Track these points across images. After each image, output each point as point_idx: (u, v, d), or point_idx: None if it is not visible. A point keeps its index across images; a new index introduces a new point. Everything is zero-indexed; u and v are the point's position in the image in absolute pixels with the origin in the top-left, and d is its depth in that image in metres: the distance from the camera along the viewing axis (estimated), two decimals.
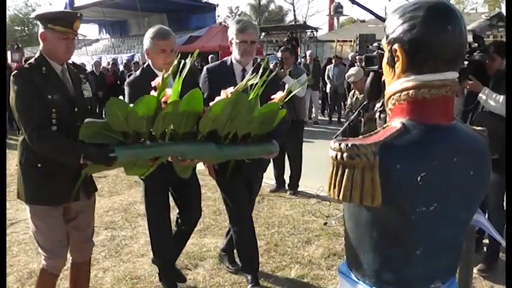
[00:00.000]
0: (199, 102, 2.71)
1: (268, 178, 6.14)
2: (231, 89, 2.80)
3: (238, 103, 2.80)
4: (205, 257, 4.61)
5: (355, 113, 5.75)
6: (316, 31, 29.45)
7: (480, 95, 4.09)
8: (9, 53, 25.40)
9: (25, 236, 5.31)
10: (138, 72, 3.69)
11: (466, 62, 3.86)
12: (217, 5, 33.79)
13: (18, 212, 6.25)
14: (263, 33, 32.38)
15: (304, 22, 39.47)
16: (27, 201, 3.09)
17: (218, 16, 35.74)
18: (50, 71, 3.00)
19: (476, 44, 3.89)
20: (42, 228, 3.11)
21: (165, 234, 3.83)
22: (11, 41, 30.89)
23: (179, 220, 4.01)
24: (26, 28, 59.40)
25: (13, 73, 2.94)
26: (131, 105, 2.63)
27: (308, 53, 14.99)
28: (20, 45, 28.55)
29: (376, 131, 1.43)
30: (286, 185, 6.99)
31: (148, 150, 2.74)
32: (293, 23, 41.56)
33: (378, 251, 1.47)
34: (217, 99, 2.81)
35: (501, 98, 3.96)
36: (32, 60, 3.05)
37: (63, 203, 3.11)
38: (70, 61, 3.21)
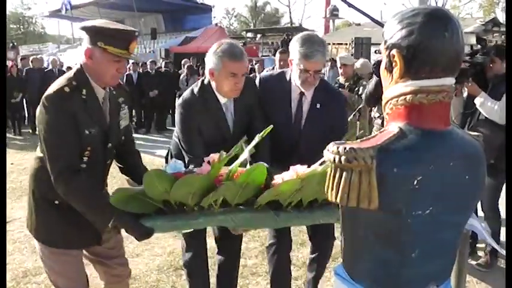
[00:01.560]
0: (262, 176, 2.32)
1: None
2: (300, 168, 2.29)
3: (310, 181, 2.28)
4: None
5: (351, 116, 5.77)
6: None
7: (477, 99, 4.13)
8: None
9: (20, 235, 5.32)
10: (195, 90, 3.04)
11: (467, 64, 3.90)
12: (214, 6, 33.90)
13: (13, 210, 6.26)
14: (259, 35, 32.44)
15: (300, 24, 39.62)
16: (39, 239, 2.66)
17: (214, 17, 35.87)
18: (91, 96, 2.49)
19: (479, 46, 3.92)
20: (55, 268, 2.69)
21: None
22: (6, 39, 30.79)
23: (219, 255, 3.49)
24: (22, 27, 59.31)
25: (47, 95, 2.39)
26: (169, 174, 2.29)
27: None
28: (15, 44, 28.56)
29: (373, 135, 1.45)
30: None
31: (194, 221, 2.37)
32: (289, 25, 41.68)
33: (374, 253, 1.49)
34: (285, 177, 2.34)
35: (496, 105, 4.00)
36: (70, 75, 2.49)
37: (83, 248, 2.75)
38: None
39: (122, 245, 3.01)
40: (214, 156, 2.30)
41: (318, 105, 3.16)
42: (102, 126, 2.55)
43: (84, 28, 2.42)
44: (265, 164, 2.68)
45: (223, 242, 3.36)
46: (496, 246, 2.99)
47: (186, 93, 3.08)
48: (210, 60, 2.92)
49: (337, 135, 2.92)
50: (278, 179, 2.38)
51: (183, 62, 13.78)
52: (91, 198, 2.43)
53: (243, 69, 2.93)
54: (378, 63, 3.28)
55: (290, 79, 3.18)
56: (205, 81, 3.04)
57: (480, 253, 4.68)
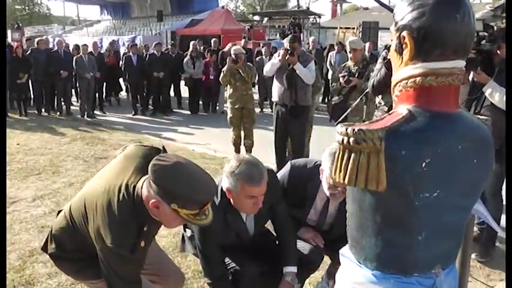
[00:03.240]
0: None
1: (270, 162, 6.16)
2: None
3: None
4: None
5: (358, 100, 5.74)
6: (319, 17, 29.34)
7: (485, 88, 4.10)
8: (9, 32, 25.38)
9: (26, 215, 5.35)
10: (216, 201, 2.84)
11: (474, 52, 3.87)
12: None
13: (20, 190, 6.28)
14: (265, 18, 32.26)
15: (308, 8, 39.33)
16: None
17: (221, 0, 35.61)
18: (153, 227, 2.39)
19: (484, 33, 3.89)
20: None
21: None
22: (11, 20, 30.77)
23: None
24: (27, 7, 59.15)
25: (110, 247, 2.23)
26: None
27: (311, 39, 14.96)
28: (20, 25, 28.46)
29: (382, 116, 1.45)
30: None
31: None
32: (296, 8, 41.39)
33: (380, 235, 1.49)
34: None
35: (504, 94, 3.97)
36: (131, 218, 2.26)
37: None
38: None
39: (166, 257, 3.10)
40: None
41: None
42: None
43: (159, 185, 2.15)
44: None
45: None
46: (498, 230, 3.00)
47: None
48: (227, 180, 2.76)
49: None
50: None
51: (191, 44, 13.74)
52: None
53: (263, 191, 2.76)
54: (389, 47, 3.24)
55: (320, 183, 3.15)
56: (224, 196, 2.87)
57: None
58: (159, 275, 2.90)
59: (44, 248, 2.71)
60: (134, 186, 2.28)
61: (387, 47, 3.33)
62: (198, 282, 3.86)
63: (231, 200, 2.83)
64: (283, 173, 3.30)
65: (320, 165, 3.11)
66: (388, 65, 3.71)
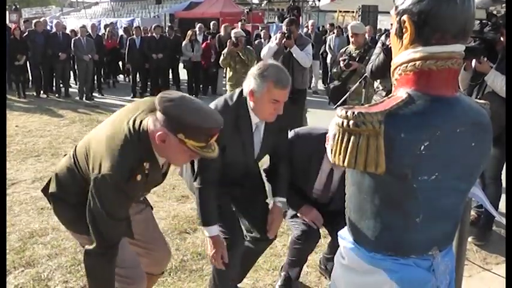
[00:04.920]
0: None
1: None
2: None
3: None
4: None
5: (357, 84, 5.75)
6: (319, 0, 29.18)
7: (487, 76, 4.10)
8: (7, 14, 25.22)
9: (26, 196, 5.37)
10: (230, 102, 2.86)
11: (477, 40, 3.86)
12: None
13: (19, 172, 6.30)
14: (264, 1, 32.06)
15: None
16: (82, 232, 2.55)
17: None
18: (153, 168, 2.31)
19: (487, 21, 3.88)
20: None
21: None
22: (9, 2, 30.60)
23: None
24: None
25: (106, 175, 2.18)
26: None
27: (310, 22, 14.87)
28: (18, 6, 28.30)
29: (381, 100, 1.46)
30: None
31: None
32: None
33: (378, 217, 1.51)
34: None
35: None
36: (134, 150, 2.22)
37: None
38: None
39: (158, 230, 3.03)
40: None
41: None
42: None
43: (166, 113, 2.13)
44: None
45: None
46: (495, 214, 3.02)
47: (220, 103, 2.87)
48: (253, 81, 2.72)
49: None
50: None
51: (198, 26, 13.75)
52: (105, 275, 2.43)
53: (285, 97, 2.77)
54: (388, 46, 3.23)
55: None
56: (243, 95, 2.85)
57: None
58: (147, 248, 2.88)
59: (45, 190, 2.65)
60: (141, 122, 2.24)
61: (387, 34, 3.32)
62: (197, 264, 3.89)
63: (252, 103, 2.79)
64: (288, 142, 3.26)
65: (325, 133, 3.05)
66: (387, 51, 3.71)
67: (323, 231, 3.55)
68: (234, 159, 2.92)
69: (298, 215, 3.37)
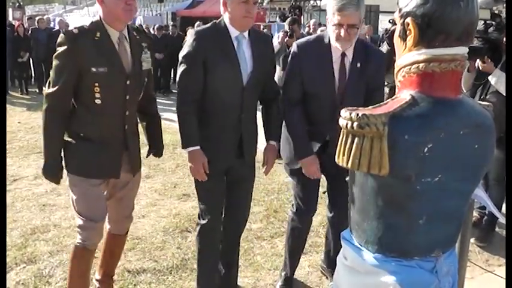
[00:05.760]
0: None
1: None
2: None
3: None
4: None
5: None
6: (320, 0, 29.14)
7: (491, 76, 4.11)
8: (10, 11, 25.29)
9: (28, 193, 5.39)
10: (208, 25, 3.12)
11: (481, 41, 3.86)
12: None
13: (21, 168, 6.33)
14: (266, 0, 32.03)
15: None
16: (67, 170, 2.92)
17: None
18: (104, 38, 2.74)
19: (492, 22, 3.88)
20: (78, 196, 2.94)
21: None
22: None
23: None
24: None
25: (65, 32, 2.76)
26: None
27: (312, 22, 14.84)
28: (21, 3, 28.32)
29: (385, 102, 1.47)
30: None
31: None
32: None
33: (382, 218, 1.52)
34: None
35: None
36: (86, 25, 2.79)
37: (101, 178, 2.95)
38: (136, 25, 3.06)
39: (134, 197, 3.29)
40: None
41: (358, 65, 3.12)
42: (115, 64, 2.76)
43: None
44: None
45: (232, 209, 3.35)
46: (498, 215, 3.02)
47: (198, 28, 3.15)
48: None
49: (373, 94, 3.12)
50: None
51: (196, 25, 13.71)
52: (50, 127, 2.84)
53: None
54: (391, 32, 3.24)
55: (329, 41, 3.10)
56: (217, 21, 3.06)
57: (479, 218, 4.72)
58: (117, 203, 3.14)
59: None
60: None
61: (391, 21, 3.33)
62: None
63: (227, 13, 2.98)
64: (291, 56, 3.26)
65: (319, 35, 3.33)
66: (389, 40, 3.69)
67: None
68: (223, 79, 2.97)
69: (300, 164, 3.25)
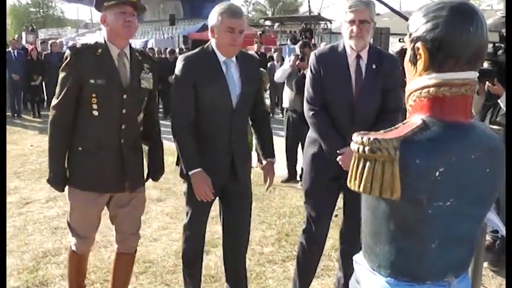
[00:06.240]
0: None
1: (280, 168, 6.19)
2: None
3: None
4: (217, 244, 4.64)
5: None
6: (331, 23, 29.36)
7: (501, 98, 4.10)
8: (23, 35, 25.71)
9: (40, 216, 5.41)
10: (196, 50, 3.21)
11: (490, 63, 3.87)
12: None
13: (33, 192, 6.35)
14: (277, 24, 32.29)
15: (319, 14, 39.30)
16: (68, 184, 3.03)
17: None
18: (104, 53, 2.91)
19: (501, 45, 3.89)
20: (72, 208, 3.10)
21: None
22: (25, 23, 31.10)
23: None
24: (41, 10, 59.62)
25: (70, 47, 3.02)
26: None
27: (322, 44, 14.97)
28: (34, 27, 28.76)
29: (396, 126, 1.47)
30: (298, 176, 7.00)
31: None
32: (307, 13, 41.40)
33: (394, 242, 1.51)
34: None
35: None
36: (91, 43, 3.06)
37: (101, 192, 3.04)
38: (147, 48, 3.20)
39: (140, 215, 3.30)
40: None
41: (374, 66, 3.18)
42: (113, 78, 2.90)
43: (94, 4, 2.89)
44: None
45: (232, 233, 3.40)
46: None
47: (187, 53, 3.24)
48: (211, 19, 3.05)
49: (390, 93, 3.18)
50: None
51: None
52: (50, 142, 2.97)
53: (241, 26, 3.01)
54: (402, 52, 3.27)
55: (344, 48, 3.21)
56: (205, 46, 3.15)
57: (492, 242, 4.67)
58: (122, 221, 3.19)
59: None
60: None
61: (402, 41, 3.38)
62: (210, 287, 3.88)
63: (214, 40, 3.07)
64: (310, 63, 3.33)
65: (333, 45, 3.39)
66: (401, 57, 3.71)
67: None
68: (212, 102, 3.04)
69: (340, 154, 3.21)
